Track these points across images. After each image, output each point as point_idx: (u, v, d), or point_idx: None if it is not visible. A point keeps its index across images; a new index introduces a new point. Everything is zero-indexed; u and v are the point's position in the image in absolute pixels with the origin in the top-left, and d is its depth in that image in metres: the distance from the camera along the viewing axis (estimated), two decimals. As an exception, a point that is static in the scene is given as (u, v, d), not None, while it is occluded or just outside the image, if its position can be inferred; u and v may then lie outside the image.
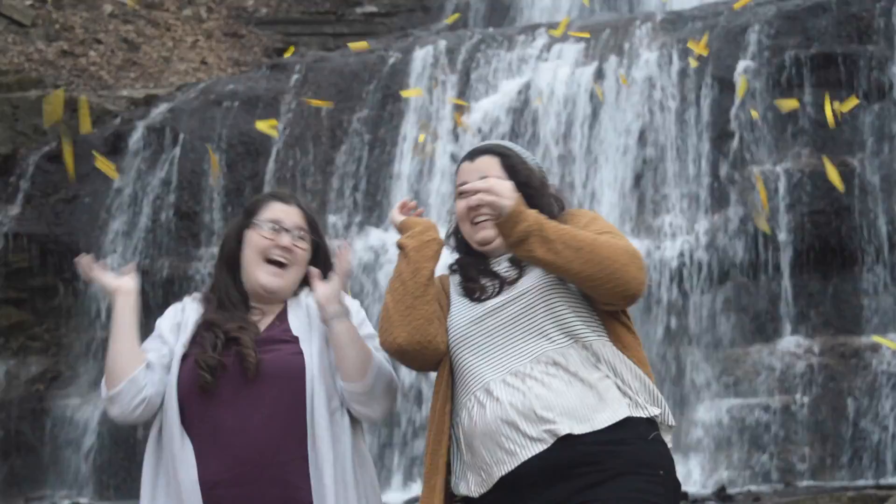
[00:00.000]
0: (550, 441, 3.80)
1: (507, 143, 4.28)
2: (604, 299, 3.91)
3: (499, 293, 3.99)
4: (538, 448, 3.81)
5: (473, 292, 4.04)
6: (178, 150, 12.88)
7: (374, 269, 11.79)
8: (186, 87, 14.00)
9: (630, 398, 3.87)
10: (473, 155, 4.17)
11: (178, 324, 4.18)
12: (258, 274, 4.18)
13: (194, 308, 4.23)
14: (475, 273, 4.08)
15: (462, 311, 4.04)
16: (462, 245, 4.20)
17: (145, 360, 4.10)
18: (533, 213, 3.89)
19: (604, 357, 3.90)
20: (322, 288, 4.12)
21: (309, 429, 4.02)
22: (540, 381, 3.87)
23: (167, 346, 4.15)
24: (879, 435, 10.15)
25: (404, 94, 12.07)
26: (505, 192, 3.90)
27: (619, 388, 3.87)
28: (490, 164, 4.13)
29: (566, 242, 3.84)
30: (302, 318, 4.18)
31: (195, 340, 4.12)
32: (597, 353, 3.91)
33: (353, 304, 4.27)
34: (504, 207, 3.87)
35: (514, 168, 4.11)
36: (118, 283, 4.21)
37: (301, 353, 4.08)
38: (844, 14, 11.73)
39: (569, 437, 3.79)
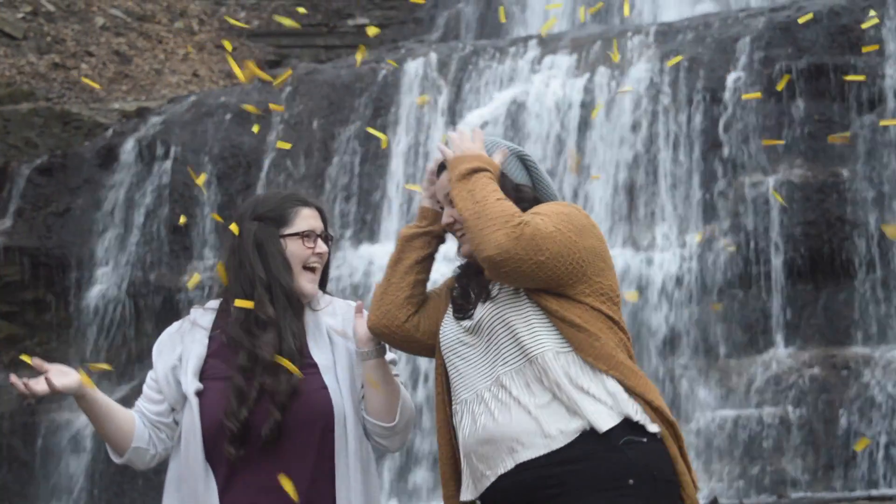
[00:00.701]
0: (511, 465, 3.82)
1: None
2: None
3: (474, 310, 3.98)
4: (501, 469, 3.83)
5: (458, 307, 4.04)
6: (169, 163, 12.87)
7: (365, 282, 11.78)
8: (178, 99, 14.00)
9: (579, 412, 3.78)
10: (440, 170, 4.13)
11: (173, 367, 4.07)
12: (302, 283, 4.10)
13: (200, 333, 4.09)
14: (465, 285, 4.07)
15: (449, 322, 4.05)
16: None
17: (138, 432, 4.05)
18: (473, 166, 3.93)
19: (552, 372, 3.82)
20: (364, 326, 4.11)
21: (339, 468, 4.01)
22: (488, 409, 3.87)
23: (165, 402, 4.07)
24: (871, 446, 10.15)
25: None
26: (456, 143, 4.00)
27: (565, 404, 3.79)
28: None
29: (474, 194, 3.87)
30: (324, 347, 4.12)
31: (214, 365, 4.04)
32: (544, 369, 3.83)
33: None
34: (447, 157, 3.99)
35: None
36: (68, 382, 3.93)
37: (326, 387, 4.04)
38: (835, 25, 11.75)
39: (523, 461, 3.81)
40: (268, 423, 3.92)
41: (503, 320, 3.91)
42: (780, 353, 10.75)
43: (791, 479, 10.21)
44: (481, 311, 3.95)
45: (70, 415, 12.11)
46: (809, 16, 10.67)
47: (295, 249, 4.11)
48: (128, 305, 12.42)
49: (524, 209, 3.94)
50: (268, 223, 4.11)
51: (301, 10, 15.47)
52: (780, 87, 10.41)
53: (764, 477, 10.27)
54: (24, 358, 3.95)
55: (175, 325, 4.18)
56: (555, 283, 3.86)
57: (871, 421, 10.22)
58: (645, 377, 3.91)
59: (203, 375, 4.03)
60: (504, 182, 3.99)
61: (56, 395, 3.98)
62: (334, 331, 4.11)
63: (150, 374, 4.13)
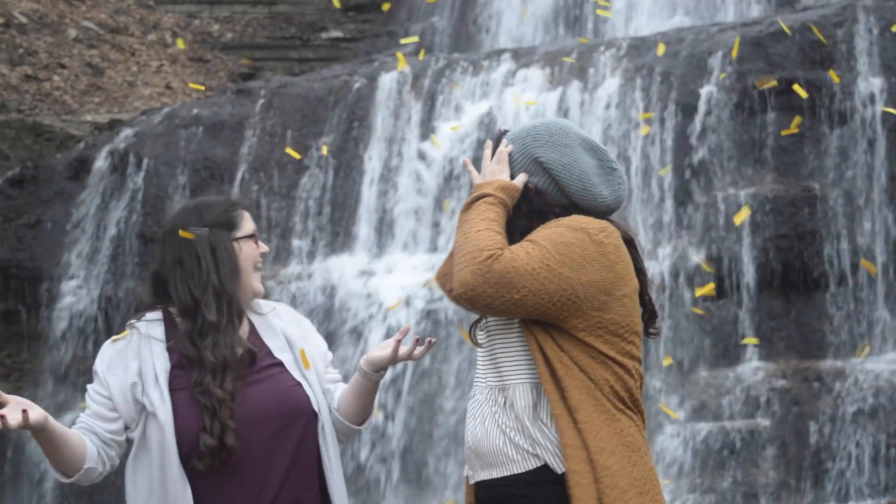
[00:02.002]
0: (484, 477, 3.90)
1: (514, 130, 4.12)
2: None
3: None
4: (478, 477, 3.91)
5: None
6: (142, 175, 12.84)
7: (340, 294, 11.77)
8: (151, 111, 13.97)
9: (538, 448, 3.81)
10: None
11: (132, 384, 4.00)
12: (255, 283, 4.14)
13: (158, 346, 4.04)
14: None
15: None
16: None
17: (89, 453, 3.97)
18: (477, 195, 3.90)
19: (517, 406, 3.83)
20: (392, 351, 4.17)
21: (325, 458, 4.08)
22: (472, 416, 3.92)
23: (120, 419, 4.01)
24: (843, 459, 10.18)
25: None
26: (483, 170, 3.98)
27: (527, 436, 3.82)
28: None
29: (464, 226, 3.83)
30: (283, 347, 4.15)
31: (179, 376, 4.01)
32: (512, 402, 3.84)
33: (310, 326, 4.28)
34: (473, 183, 3.97)
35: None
36: (36, 416, 3.82)
37: (299, 383, 4.09)
38: (807, 40, 11.81)
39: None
40: (229, 436, 3.93)
41: (493, 340, 3.91)
42: (752, 366, 10.78)
43: (762, 492, 10.23)
44: (485, 321, 3.97)
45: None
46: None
47: (248, 251, 4.14)
48: (99, 318, 12.37)
49: (552, 217, 3.89)
50: (219, 228, 4.10)
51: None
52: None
53: (735, 490, 10.28)
54: None
55: (120, 339, 4.08)
56: (544, 317, 3.79)
57: (842, 434, 10.26)
58: (592, 433, 3.79)
59: (170, 387, 4.00)
60: (528, 194, 3.93)
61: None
62: (403, 335, 4.16)
63: (98, 391, 4.02)
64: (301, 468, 4.04)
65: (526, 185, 3.93)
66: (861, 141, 11.25)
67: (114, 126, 13.78)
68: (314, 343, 4.23)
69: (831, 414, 10.35)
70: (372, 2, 16.77)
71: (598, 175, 3.96)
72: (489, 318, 3.94)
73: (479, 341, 3.98)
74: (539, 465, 3.79)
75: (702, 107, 11.68)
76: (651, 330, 4.06)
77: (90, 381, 4.09)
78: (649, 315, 4.05)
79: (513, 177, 3.95)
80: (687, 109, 11.76)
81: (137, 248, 12.57)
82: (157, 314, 4.08)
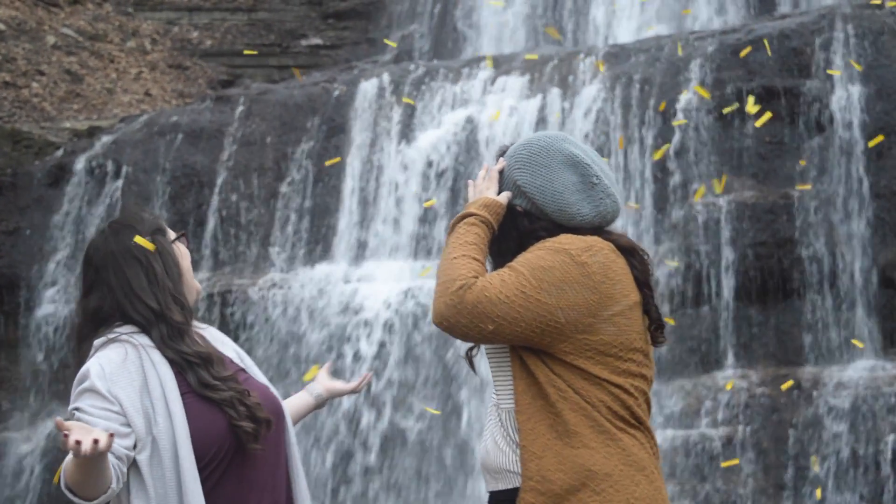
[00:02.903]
0: (493, 488, 3.91)
1: (511, 147, 4.10)
2: None
3: None
4: (491, 488, 3.93)
5: None
6: (120, 182, 12.81)
7: (319, 301, 11.76)
8: (130, 118, 13.94)
9: (515, 468, 3.82)
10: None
11: (142, 395, 3.86)
12: (194, 281, 4.15)
13: (157, 354, 3.94)
14: None
15: None
16: None
17: (114, 473, 3.79)
18: (459, 216, 3.90)
19: (510, 428, 3.83)
20: (345, 386, 4.42)
21: (292, 458, 4.07)
22: (483, 431, 3.94)
23: (132, 435, 3.82)
24: (821, 466, 10.20)
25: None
26: (471, 190, 3.99)
27: (510, 457, 3.82)
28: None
29: (445, 248, 3.84)
30: (233, 354, 4.16)
31: (181, 382, 3.94)
32: (505, 424, 3.84)
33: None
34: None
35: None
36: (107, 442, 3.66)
37: (266, 385, 4.10)
38: (785, 48, 11.85)
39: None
40: (263, 423, 3.92)
41: (489, 362, 3.91)
42: (731, 373, 10.80)
43: (741, 499, 10.24)
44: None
45: (19, 435, 12.01)
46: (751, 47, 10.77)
47: (184, 251, 4.13)
48: (73, 343, 12.32)
49: (543, 237, 3.87)
50: (160, 235, 4.09)
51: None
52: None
53: (714, 497, 10.29)
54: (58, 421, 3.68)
55: (117, 352, 3.92)
56: (528, 343, 3.76)
57: (820, 441, 10.28)
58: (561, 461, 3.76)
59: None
60: (513, 214, 3.92)
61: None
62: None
63: (106, 407, 3.82)
64: (279, 469, 4.05)
65: (515, 207, 3.92)
66: (839, 148, 11.29)
67: (93, 133, 13.75)
68: (251, 362, 4.23)
69: (809, 421, 10.37)
70: (352, 9, 16.78)
71: (578, 192, 3.91)
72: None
73: (487, 354, 3.98)
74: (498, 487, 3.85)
75: (680, 114, 11.70)
76: (660, 339, 3.97)
77: (67, 388, 3.97)
78: (656, 325, 3.94)
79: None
80: (665, 117, 11.79)
81: (116, 256, 12.52)
82: (130, 328, 3.98)
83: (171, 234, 4.12)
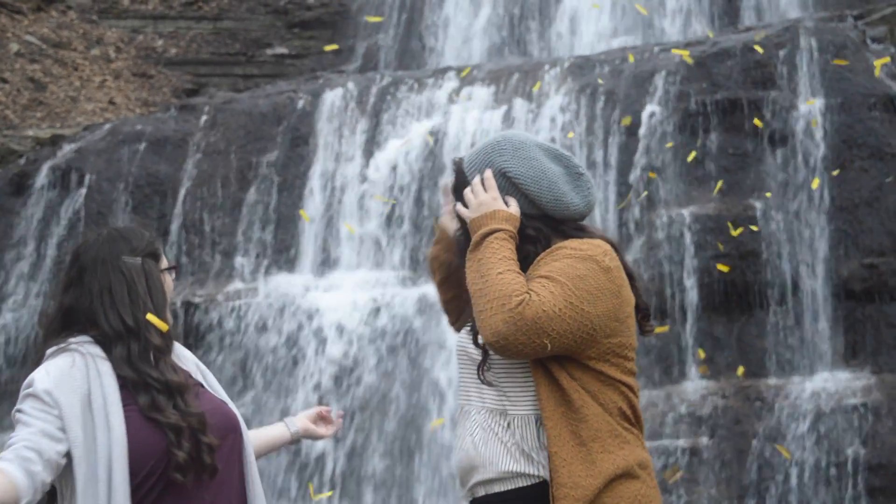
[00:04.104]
0: (481, 493, 3.91)
1: (470, 152, 4.08)
2: None
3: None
4: (473, 495, 3.93)
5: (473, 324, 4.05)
6: (83, 191, 12.75)
7: (284, 312, 11.73)
8: (93, 127, 13.88)
9: (520, 469, 3.82)
10: (455, 189, 4.10)
11: (84, 403, 3.84)
12: (168, 314, 4.13)
13: (105, 365, 3.92)
14: None
15: (465, 328, 4.07)
16: None
17: (21, 486, 3.74)
18: (484, 231, 3.83)
19: (517, 434, 3.84)
20: (320, 430, 4.48)
21: (249, 474, 4.06)
22: (469, 434, 3.92)
23: (66, 441, 3.80)
24: (783, 477, 10.24)
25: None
26: (470, 202, 3.91)
27: (517, 458, 3.84)
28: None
29: (481, 263, 3.77)
30: (193, 368, 4.15)
31: (126, 396, 3.91)
32: (513, 431, 3.84)
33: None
34: (465, 218, 3.91)
35: (456, 189, 4.06)
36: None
37: (224, 402, 4.10)
38: (749, 61, 11.91)
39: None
40: (206, 452, 3.88)
41: (493, 365, 3.88)
42: (694, 384, 10.83)
43: (704, 509, 10.27)
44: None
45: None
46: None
47: (169, 284, 4.14)
48: (39, 336, 12.25)
49: (535, 237, 3.87)
50: (150, 258, 4.08)
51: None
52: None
53: (678, 508, 10.32)
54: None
55: (64, 360, 3.91)
56: (563, 352, 3.77)
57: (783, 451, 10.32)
58: (588, 467, 3.79)
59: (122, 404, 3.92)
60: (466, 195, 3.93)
61: None
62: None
63: (44, 409, 3.81)
64: (231, 486, 4.03)
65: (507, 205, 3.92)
66: (802, 160, 11.35)
67: (56, 141, 13.68)
68: (211, 376, 4.23)
69: (772, 432, 10.41)
70: (317, 19, 16.76)
71: (567, 182, 3.93)
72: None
73: (464, 362, 3.98)
74: (538, 481, 3.79)
75: (645, 126, 11.74)
76: (647, 328, 4.03)
77: (17, 402, 3.93)
78: (642, 314, 4.01)
79: None
80: (630, 128, 11.82)
81: (79, 265, 12.46)
82: (83, 338, 3.97)
83: (164, 263, 4.12)
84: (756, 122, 11.06)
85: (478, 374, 3.89)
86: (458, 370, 4.06)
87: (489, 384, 3.86)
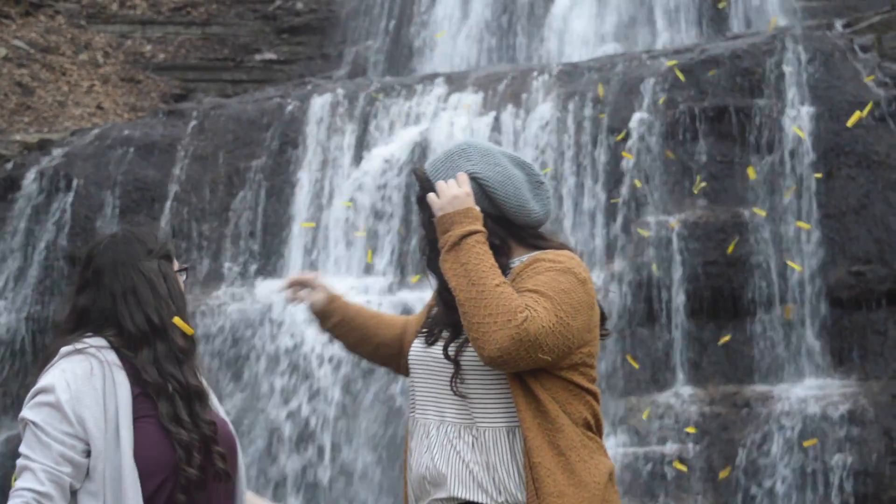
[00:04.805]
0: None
1: (432, 160, 4.05)
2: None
3: (437, 340, 3.95)
4: None
5: (428, 332, 4.01)
6: (71, 196, 12.72)
7: (270, 317, 11.71)
8: (81, 132, 13.86)
9: (482, 491, 3.80)
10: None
11: (108, 416, 3.75)
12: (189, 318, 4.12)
13: (120, 374, 3.82)
14: (441, 313, 4.01)
15: (417, 341, 4.05)
16: None
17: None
18: (462, 231, 3.78)
19: (490, 448, 3.82)
20: None
21: (240, 491, 4.03)
22: (427, 451, 3.90)
23: (85, 466, 3.70)
24: (770, 483, 10.25)
25: None
26: (443, 195, 3.86)
27: (478, 478, 3.80)
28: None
29: (468, 270, 3.73)
30: (202, 379, 4.13)
31: (142, 403, 3.84)
32: (484, 444, 3.82)
33: None
34: (434, 212, 3.86)
35: (421, 200, 4.02)
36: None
37: (227, 422, 4.07)
38: (737, 68, 11.93)
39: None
40: (219, 458, 3.86)
41: (467, 378, 3.85)
42: (682, 391, 10.84)
43: (691, 516, 10.27)
44: (461, 361, 3.89)
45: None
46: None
47: (182, 286, 4.11)
48: (27, 338, 12.24)
49: (500, 246, 3.85)
50: (167, 261, 4.06)
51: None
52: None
53: (665, 514, 10.32)
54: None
55: (82, 367, 3.80)
56: (549, 365, 3.79)
57: (769, 458, 10.33)
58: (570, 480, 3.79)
59: (134, 416, 3.81)
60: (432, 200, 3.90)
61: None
62: None
63: (66, 430, 3.69)
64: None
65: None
66: (790, 168, 11.37)
67: (43, 146, 13.66)
68: (213, 392, 4.17)
69: (759, 439, 10.42)
70: (306, 24, 16.76)
71: (529, 190, 3.95)
72: (466, 357, 3.86)
73: (423, 375, 3.94)
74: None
75: (633, 133, 11.75)
76: (603, 332, 4.04)
77: (14, 399, 3.84)
78: (600, 317, 4.02)
79: None
80: (619, 135, 11.83)
81: (66, 270, 12.45)
82: (99, 341, 3.88)
83: (177, 265, 4.09)
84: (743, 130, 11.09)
85: (451, 386, 3.86)
86: (411, 383, 4.02)
87: (462, 396, 3.83)
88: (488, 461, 3.79)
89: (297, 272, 4.31)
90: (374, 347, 4.37)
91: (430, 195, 3.90)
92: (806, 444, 10.05)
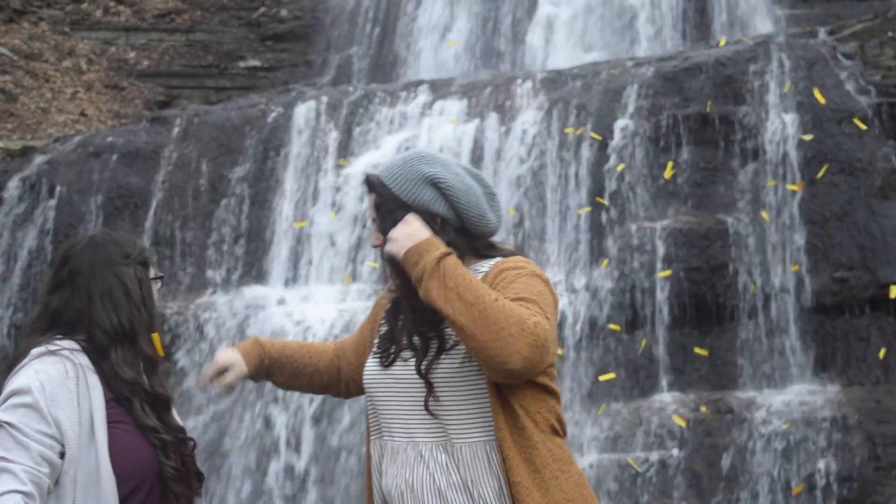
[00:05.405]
0: None
1: (387, 166, 4.00)
2: (485, 368, 3.70)
3: (395, 360, 3.91)
4: None
5: (383, 351, 3.97)
6: (54, 203, 12.70)
7: (253, 323, 11.70)
8: (64, 138, 13.83)
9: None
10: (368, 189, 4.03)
11: (83, 419, 3.73)
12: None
13: (94, 378, 3.80)
14: (391, 323, 3.99)
15: (371, 363, 4.01)
16: None
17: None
18: (435, 256, 3.73)
19: (468, 465, 3.79)
20: None
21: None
22: (403, 468, 3.86)
23: (61, 465, 3.67)
24: (754, 488, 10.25)
25: None
26: (399, 236, 3.81)
27: (468, 491, 3.78)
28: (370, 201, 4.01)
29: (461, 293, 3.66)
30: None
31: (114, 407, 3.82)
32: (458, 460, 3.79)
33: None
34: (396, 254, 3.81)
35: (379, 206, 3.96)
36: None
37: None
38: (720, 76, 11.96)
39: None
40: (191, 462, 3.88)
41: (443, 393, 3.82)
42: (665, 397, 10.84)
43: (675, 522, 10.27)
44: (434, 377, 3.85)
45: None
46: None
47: (155, 294, 4.09)
48: (9, 347, 12.20)
49: (459, 256, 3.82)
50: (143, 266, 4.03)
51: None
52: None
53: (648, 521, 10.32)
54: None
55: (56, 368, 3.77)
56: None
57: (753, 464, 10.33)
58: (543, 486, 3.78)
59: (108, 420, 3.78)
60: (435, 226, 3.86)
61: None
62: None
63: (44, 430, 3.67)
64: None
65: (434, 216, 3.87)
66: (773, 175, 11.39)
67: (26, 153, 13.62)
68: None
69: (743, 444, 10.42)
70: (290, 31, 16.76)
71: (486, 201, 3.95)
72: (437, 374, 3.83)
73: (386, 397, 3.91)
74: None
75: (617, 140, 11.76)
76: None
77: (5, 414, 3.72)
78: None
79: (399, 218, 3.86)
80: (602, 142, 11.84)
81: (49, 276, 12.41)
82: (71, 343, 3.86)
83: (153, 273, 4.06)
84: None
85: (425, 407, 3.81)
86: (371, 406, 3.98)
87: (433, 415, 3.80)
88: (466, 478, 3.77)
89: (210, 365, 4.28)
90: (309, 377, 4.32)
91: (387, 246, 3.85)
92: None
